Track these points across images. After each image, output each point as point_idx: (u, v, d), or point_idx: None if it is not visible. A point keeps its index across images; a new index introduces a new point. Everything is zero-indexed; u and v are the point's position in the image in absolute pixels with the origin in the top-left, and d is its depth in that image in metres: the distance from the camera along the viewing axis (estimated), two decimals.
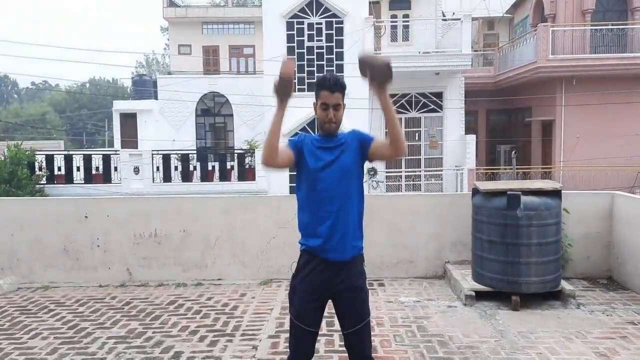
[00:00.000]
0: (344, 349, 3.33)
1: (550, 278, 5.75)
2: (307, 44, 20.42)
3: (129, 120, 25.16)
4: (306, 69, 20.41)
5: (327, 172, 3.16)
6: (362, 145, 3.21)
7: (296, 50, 20.40)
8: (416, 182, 20.96)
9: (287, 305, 3.25)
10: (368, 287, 3.31)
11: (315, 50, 20.48)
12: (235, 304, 6.02)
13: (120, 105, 26.92)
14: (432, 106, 21.02)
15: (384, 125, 18.35)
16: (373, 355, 3.27)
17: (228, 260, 7.01)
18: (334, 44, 20.40)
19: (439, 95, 20.98)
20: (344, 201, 3.15)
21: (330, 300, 3.25)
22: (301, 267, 3.24)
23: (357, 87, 20.48)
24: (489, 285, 5.89)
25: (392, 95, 21.79)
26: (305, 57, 20.41)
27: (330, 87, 3.16)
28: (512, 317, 5.44)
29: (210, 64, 31.55)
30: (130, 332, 5.19)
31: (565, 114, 20.53)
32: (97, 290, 6.69)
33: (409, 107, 21.09)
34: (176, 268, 6.99)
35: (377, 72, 3.04)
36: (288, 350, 3.29)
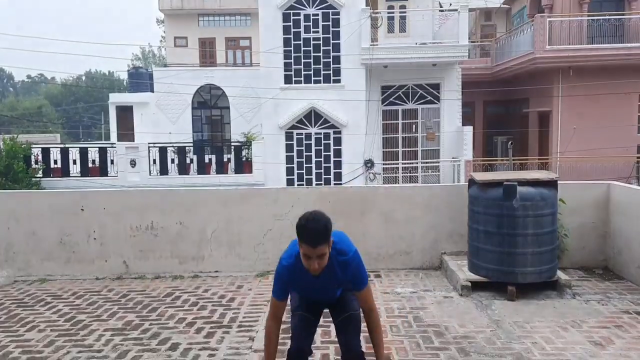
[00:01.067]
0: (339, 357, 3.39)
1: (546, 268, 5.77)
2: (303, 35, 20.35)
3: (126, 113, 25.09)
4: (303, 60, 20.36)
5: (313, 293, 3.26)
6: (351, 286, 3.23)
7: (292, 42, 20.33)
8: (413, 174, 20.97)
9: None
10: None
11: (312, 42, 20.41)
12: (232, 295, 6.03)
13: (117, 98, 26.85)
14: (429, 97, 21.00)
15: (380, 131, 18.21)
16: (368, 345, 3.29)
17: (225, 253, 7.02)
18: (330, 35, 20.34)
19: (436, 86, 20.96)
20: (332, 297, 3.32)
21: None
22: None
23: (354, 78, 20.51)
24: (485, 276, 5.91)
25: (390, 87, 21.75)
26: (302, 48, 20.35)
27: (311, 242, 2.94)
28: (508, 307, 5.46)
29: (207, 56, 31.43)
30: (127, 324, 5.20)
31: (562, 104, 20.53)
32: (93, 282, 6.69)
33: (405, 99, 21.07)
34: (173, 260, 6.99)
35: None
36: (285, 341, 3.32)
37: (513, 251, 5.70)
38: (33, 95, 69.97)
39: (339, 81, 20.23)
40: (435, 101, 21.00)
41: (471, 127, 20.79)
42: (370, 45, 19.86)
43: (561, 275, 5.96)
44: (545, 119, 21.61)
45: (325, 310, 3.47)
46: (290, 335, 3.24)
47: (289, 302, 3.32)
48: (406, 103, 21.13)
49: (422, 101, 21.08)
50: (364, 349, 3.39)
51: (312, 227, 2.91)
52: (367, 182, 19.88)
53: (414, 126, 21.29)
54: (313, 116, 20.52)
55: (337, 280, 3.14)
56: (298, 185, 19.34)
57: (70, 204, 7.04)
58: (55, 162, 19.99)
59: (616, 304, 5.49)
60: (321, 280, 3.11)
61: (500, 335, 4.74)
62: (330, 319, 4.90)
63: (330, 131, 20.49)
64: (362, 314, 3.30)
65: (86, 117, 61.03)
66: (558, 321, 5.04)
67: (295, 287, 3.20)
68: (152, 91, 24.90)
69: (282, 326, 3.34)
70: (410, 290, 6.08)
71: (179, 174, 19.83)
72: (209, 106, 24.87)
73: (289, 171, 20.46)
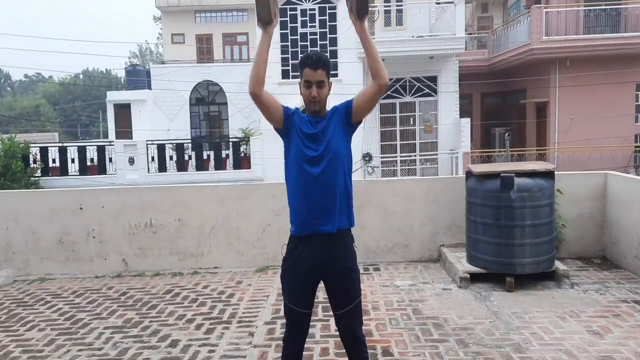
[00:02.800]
0: (339, 334, 3.35)
1: (544, 259, 5.78)
2: (300, 30, 20.33)
3: (123, 110, 25.05)
4: (300, 55, 20.33)
5: (313, 150, 3.13)
6: (346, 111, 3.18)
7: (290, 37, 20.31)
8: (411, 167, 20.99)
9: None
10: (363, 271, 3.35)
11: (309, 37, 20.40)
12: (232, 291, 6.04)
13: (114, 96, 26.81)
14: (427, 90, 20.99)
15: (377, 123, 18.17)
16: (368, 338, 3.29)
17: (224, 249, 7.03)
18: (327, 29, 20.32)
19: (434, 79, 20.95)
20: (330, 182, 3.11)
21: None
22: (289, 252, 3.24)
23: (351, 72, 20.47)
24: (484, 267, 5.93)
25: None
26: (299, 43, 20.33)
27: (312, 64, 3.09)
28: (507, 298, 5.48)
29: (204, 53, 31.36)
30: (127, 322, 5.21)
31: (560, 95, 20.53)
32: (93, 281, 6.70)
33: (403, 92, 21.05)
34: (172, 257, 7.01)
35: (355, 5, 3.10)
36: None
37: (511, 242, 5.71)
38: (31, 95, 69.85)
39: (336, 75, 20.19)
40: (433, 94, 21.00)
41: (469, 119, 20.79)
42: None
43: (559, 265, 5.97)
44: (542, 109, 21.60)
45: (324, 305, 3.47)
46: (284, 329, 3.24)
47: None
48: (403, 96, 21.12)
49: (420, 94, 21.07)
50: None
51: (314, 53, 3.14)
52: (365, 175, 19.89)
53: (411, 119, 21.30)
54: None
55: (334, 124, 3.14)
56: None
57: (69, 202, 7.04)
58: (54, 161, 19.99)
59: (614, 294, 5.51)
60: (322, 130, 3.13)
61: (499, 326, 4.75)
62: (329, 312, 4.94)
63: None
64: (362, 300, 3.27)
65: (84, 116, 60.95)
66: (556, 311, 5.06)
67: (298, 132, 3.16)
68: (150, 88, 24.88)
69: (278, 315, 3.35)
70: (409, 283, 6.09)
71: (178, 171, 19.84)
72: (207, 102, 24.86)
73: None
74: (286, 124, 3.19)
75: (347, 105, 3.19)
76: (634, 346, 4.26)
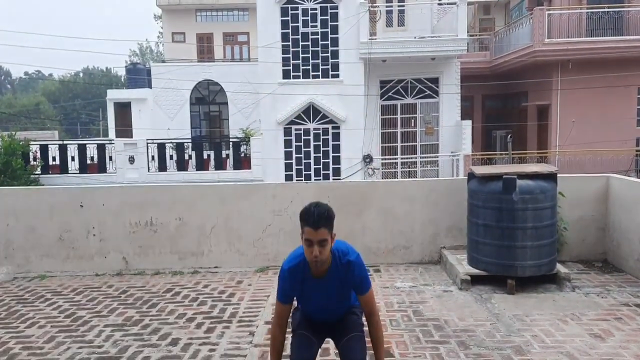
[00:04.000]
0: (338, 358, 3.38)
1: (545, 261, 5.78)
2: (302, 30, 20.29)
3: (123, 109, 25.03)
4: (301, 55, 20.32)
5: (315, 299, 3.22)
6: (355, 288, 3.21)
7: (291, 37, 20.28)
8: (412, 169, 20.96)
9: None
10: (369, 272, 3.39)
11: (310, 37, 20.35)
12: (232, 291, 6.03)
13: (115, 95, 26.78)
14: (428, 92, 20.96)
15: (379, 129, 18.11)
16: (368, 339, 3.27)
17: (224, 248, 7.02)
18: (329, 29, 20.28)
19: (435, 80, 20.91)
20: (333, 310, 3.29)
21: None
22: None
23: (352, 73, 20.45)
24: (485, 270, 5.91)
25: (388, 82, 21.69)
26: (300, 43, 20.29)
27: (313, 224, 2.95)
28: (508, 300, 5.47)
29: (205, 52, 31.35)
30: (127, 320, 5.20)
31: (561, 98, 20.52)
32: (93, 279, 6.69)
33: (404, 93, 21.03)
34: (172, 256, 6.99)
35: None
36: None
37: (512, 244, 5.70)
38: (31, 92, 69.83)
39: (337, 76, 20.19)
40: (434, 95, 20.97)
41: (470, 122, 20.76)
42: (369, 39, 19.79)
43: (560, 268, 5.96)
44: (544, 112, 21.59)
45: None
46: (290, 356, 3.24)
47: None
48: (405, 97, 21.10)
49: (421, 95, 21.05)
50: None
51: (315, 210, 2.97)
52: (365, 177, 19.86)
53: (412, 121, 21.27)
54: (311, 111, 20.48)
55: (340, 283, 3.12)
56: (297, 181, 19.32)
57: (69, 200, 7.03)
58: (54, 158, 19.95)
59: (615, 297, 5.50)
60: (325, 282, 3.10)
61: (499, 329, 4.74)
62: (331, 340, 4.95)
63: (329, 126, 20.46)
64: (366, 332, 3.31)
65: (84, 114, 60.90)
66: (557, 314, 5.05)
67: (298, 291, 3.17)
68: (150, 87, 24.86)
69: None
70: (409, 285, 6.08)
71: (178, 170, 19.80)
72: (207, 102, 24.83)
73: (288, 167, 20.43)
74: (292, 300, 3.28)
75: (359, 291, 3.21)
76: (635, 349, 4.25)
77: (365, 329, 3.25)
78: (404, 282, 6.21)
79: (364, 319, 3.31)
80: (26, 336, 4.85)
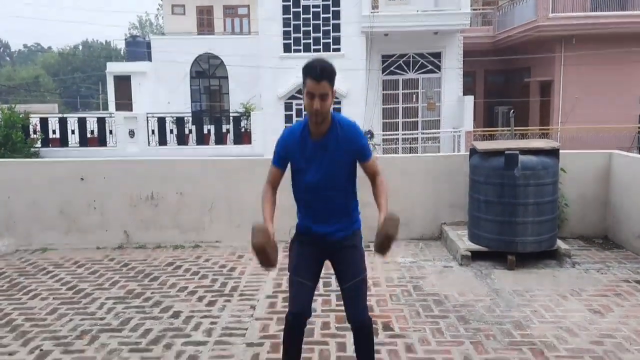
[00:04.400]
0: (340, 308, 3.36)
1: (546, 237, 5.79)
2: (303, 2, 20.05)
3: (123, 82, 24.90)
4: (302, 29, 20.13)
5: (313, 167, 3.13)
6: (357, 155, 3.16)
7: (292, 10, 20.06)
8: (413, 145, 20.91)
9: (284, 266, 3.26)
10: (364, 249, 3.35)
11: (312, 10, 20.14)
12: (233, 265, 6.05)
13: (114, 68, 26.61)
14: (430, 67, 20.81)
15: (380, 90, 17.99)
16: (370, 313, 3.29)
17: (225, 223, 7.02)
18: (330, 2, 20.05)
19: (437, 55, 20.74)
20: (331, 192, 3.17)
21: (328, 261, 3.29)
22: (297, 234, 3.33)
23: (353, 47, 20.19)
24: (485, 245, 5.93)
25: (390, 56, 21.40)
26: (302, 16, 20.08)
27: (316, 76, 2.95)
28: (508, 276, 5.49)
29: (204, 25, 31.03)
30: (129, 293, 5.23)
31: (565, 74, 20.38)
32: (95, 252, 6.71)
33: (406, 68, 20.88)
34: (173, 230, 7.00)
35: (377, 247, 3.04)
36: (286, 309, 3.31)
37: (513, 220, 5.71)
38: (30, 65, 69.37)
39: (338, 50, 20.00)
40: (436, 70, 20.83)
41: (472, 97, 20.66)
42: (371, 12, 19.58)
43: (561, 244, 5.97)
44: (546, 88, 21.47)
45: (325, 280, 3.46)
46: (285, 303, 3.23)
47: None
48: (407, 72, 20.95)
49: (423, 70, 20.90)
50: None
51: (318, 62, 2.99)
52: None
53: (414, 96, 21.15)
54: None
55: (340, 146, 3.08)
56: None
57: (70, 173, 7.02)
58: (54, 132, 19.90)
59: (615, 273, 5.52)
60: (324, 144, 3.07)
61: (499, 304, 4.77)
62: (330, 287, 4.94)
63: None
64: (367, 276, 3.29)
65: (84, 87, 60.61)
66: (557, 290, 5.07)
67: (294, 153, 3.13)
68: (150, 60, 24.68)
69: (280, 289, 3.35)
70: (410, 260, 6.10)
71: (178, 145, 19.77)
72: (208, 76, 24.68)
73: None
74: (286, 163, 3.22)
75: (362, 157, 3.17)
76: (634, 325, 4.28)
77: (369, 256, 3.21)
78: (404, 257, 6.22)
79: (365, 251, 3.30)
80: (28, 308, 4.88)
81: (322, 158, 3.09)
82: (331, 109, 3.07)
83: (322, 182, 3.13)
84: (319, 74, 2.94)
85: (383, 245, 2.96)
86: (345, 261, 3.21)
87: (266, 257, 2.98)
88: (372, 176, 3.19)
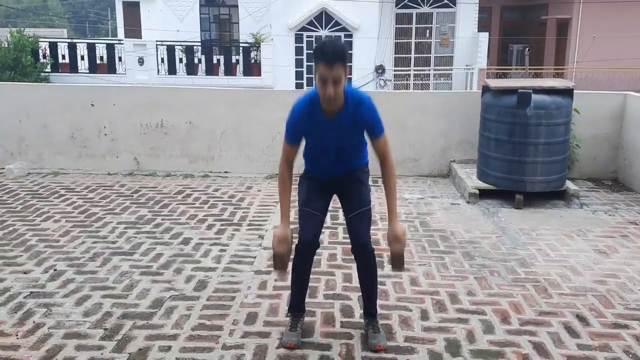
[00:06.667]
0: (346, 240, 3.41)
1: (555, 178, 5.78)
2: None
3: (132, 9, 24.39)
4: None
5: (328, 138, 3.13)
6: (368, 130, 3.13)
7: None
8: (424, 82, 20.62)
9: (294, 199, 3.28)
10: (372, 183, 3.37)
11: None
12: (242, 196, 6.11)
13: None
14: (445, 1, 20.24)
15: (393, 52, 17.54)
16: (375, 247, 3.34)
17: (234, 154, 7.04)
18: None
19: None
20: (343, 150, 3.20)
21: (335, 195, 3.35)
22: (307, 173, 3.36)
23: (366, 14, 19.48)
24: (494, 184, 5.94)
25: None
26: None
27: (328, 60, 2.84)
28: (515, 215, 5.52)
29: None
30: (140, 219, 5.31)
31: (583, 11, 19.79)
32: (105, 177, 6.78)
33: (420, 2, 20.33)
34: (183, 159, 7.04)
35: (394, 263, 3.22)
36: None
37: (523, 160, 5.69)
38: None
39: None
40: (451, 5, 20.27)
41: (487, 34, 20.17)
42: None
43: (570, 185, 5.98)
44: (563, 27, 20.91)
45: (332, 213, 3.49)
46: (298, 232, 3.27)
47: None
48: (421, 6, 20.41)
49: (438, 4, 20.34)
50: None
51: (330, 45, 2.91)
52: (377, 88, 19.60)
53: (427, 31, 20.69)
54: (324, 18, 19.92)
55: (352, 123, 3.07)
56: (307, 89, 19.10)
57: (80, 99, 7.00)
58: (63, 57, 19.73)
59: (623, 215, 5.54)
60: (336, 123, 3.06)
61: (505, 242, 4.82)
62: (337, 220, 5.00)
63: (341, 34, 19.95)
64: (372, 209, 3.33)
65: (92, 13, 59.50)
66: (564, 230, 5.10)
67: (308, 131, 3.14)
68: None
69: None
70: (417, 197, 6.13)
71: (187, 74, 19.58)
72: (217, 4, 24.11)
73: (299, 75, 20.12)
74: (301, 140, 3.21)
75: (372, 134, 3.13)
76: (639, 266, 4.32)
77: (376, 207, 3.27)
78: (412, 194, 6.26)
79: (371, 185, 3.36)
80: (42, 229, 4.98)
81: (336, 132, 3.09)
82: (344, 86, 3.00)
83: (336, 147, 3.16)
84: (331, 58, 2.84)
85: (396, 264, 3.19)
86: (352, 194, 3.25)
87: (283, 265, 3.12)
88: (382, 157, 3.16)
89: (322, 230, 3.41)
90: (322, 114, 3.04)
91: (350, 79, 3.56)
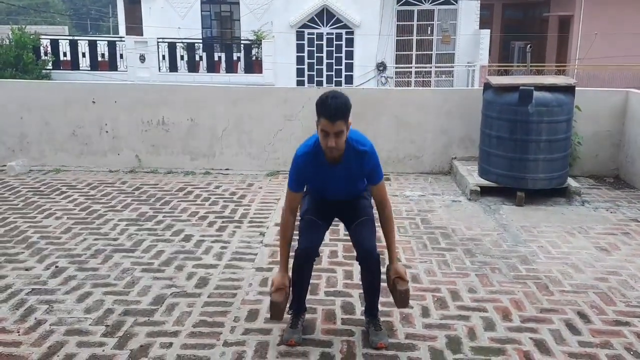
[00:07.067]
0: (347, 238, 3.41)
1: (556, 175, 5.78)
2: None
3: (133, 6, 24.35)
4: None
5: (331, 185, 3.19)
6: (367, 176, 3.18)
7: None
8: (426, 79, 20.58)
9: None
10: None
11: None
12: (243, 193, 6.11)
13: None
14: None
15: (394, 49, 17.50)
16: (377, 244, 3.32)
17: (235, 151, 7.05)
18: None
19: None
20: (346, 191, 3.27)
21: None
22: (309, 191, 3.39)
23: (368, 11, 19.47)
24: (495, 181, 5.93)
25: None
26: None
27: (330, 117, 2.87)
28: (516, 212, 5.52)
29: None
30: (141, 216, 5.32)
31: (585, 9, 19.73)
32: (107, 175, 6.78)
33: None
34: (184, 157, 7.04)
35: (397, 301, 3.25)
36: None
37: (525, 157, 5.69)
38: None
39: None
40: (453, 2, 20.23)
41: (488, 31, 20.13)
42: None
43: (571, 182, 5.97)
44: (565, 24, 20.86)
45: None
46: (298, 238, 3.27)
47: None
48: (422, 3, 20.37)
49: (439, 2, 20.29)
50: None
51: (332, 102, 2.92)
52: (378, 86, 19.58)
53: (429, 28, 20.64)
54: (325, 15, 19.89)
55: (354, 171, 3.12)
56: (308, 87, 19.07)
57: (81, 96, 7.01)
58: (65, 54, 19.73)
59: (625, 212, 5.54)
60: (338, 170, 3.11)
61: (506, 239, 4.81)
62: (337, 220, 5.01)
63: (343, 31, 19.94)
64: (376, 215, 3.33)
65: (93, 10, 59.44)
66: (565, 227, 5.10)
67: (311, 178, 3.19)
68: None
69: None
70: (418, 194, 6.13)
71: (189, 72, 19.56)
72: (218, 1, 24.06)
73: (300, 72, 20.10)
74: (306, 182, 3.24)
75: (371, 180, 3.19)
76: None
77: (376, 216, 3.27)
78: (413, 191, 6.25)
79: (373, 202, 3.35)
80: (43, 226, 4.98)
81: (339, 177, 3.14)
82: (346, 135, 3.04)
83: (339, 192, 3.25)
84: (334, 115, 2.88)
85: (403, 302, 3.20)
86: (353, 208, 3.30)
87: (279, 314, 3.13)
88: (380, 202, 3.20)
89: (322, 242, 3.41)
90: (324, 161, 3.09)
91: (350, 123, 3.58)
